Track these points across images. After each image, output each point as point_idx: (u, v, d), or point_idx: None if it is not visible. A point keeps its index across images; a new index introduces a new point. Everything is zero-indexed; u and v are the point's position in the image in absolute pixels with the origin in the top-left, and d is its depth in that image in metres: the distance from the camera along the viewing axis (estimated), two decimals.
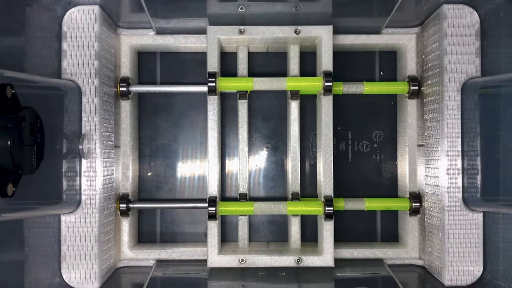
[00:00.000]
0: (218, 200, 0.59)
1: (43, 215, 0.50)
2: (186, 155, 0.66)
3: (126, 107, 0.62)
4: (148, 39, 0.62)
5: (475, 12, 0.54)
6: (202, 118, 0.66)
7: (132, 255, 0.62)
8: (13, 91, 0.38)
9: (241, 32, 0.60)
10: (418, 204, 0.61)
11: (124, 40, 0.62)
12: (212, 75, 0.58)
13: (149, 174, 0.66)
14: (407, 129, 0.62)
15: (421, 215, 0.62)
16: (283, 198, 0.65)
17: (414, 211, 0.61)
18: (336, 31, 0.60)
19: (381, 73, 0.66)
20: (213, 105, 0.59)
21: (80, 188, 0.53)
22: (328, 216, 0.58)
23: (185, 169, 0.66)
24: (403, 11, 0.58)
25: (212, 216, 0.58)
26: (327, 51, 0.59)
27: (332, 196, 0.59)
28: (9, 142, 0.37)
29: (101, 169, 0.54)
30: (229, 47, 0.63)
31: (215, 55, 0.59)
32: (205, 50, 0.60)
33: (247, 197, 0.63)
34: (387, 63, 0.66)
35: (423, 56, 0.61)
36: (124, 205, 0.60)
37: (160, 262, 0.62)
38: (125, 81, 0.61)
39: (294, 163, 0.62)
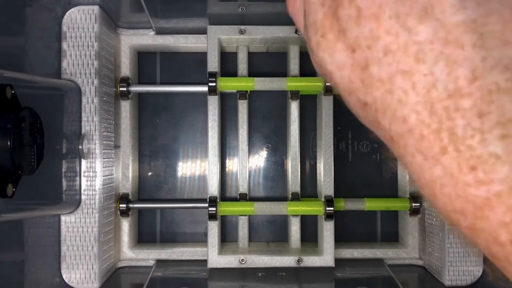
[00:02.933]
0: (218, 200, 0.59)
1: (43, 216, 0.50)
2: (186, 155, 0.66)
3: (126, 107, 0.62)
4: (148, 39, 0.62)
5: None
6: (202, 118, 0.66)
7: (132, 255, 0.62)
8: (13, 92, 0.38)
9: (242, 32, 0.60)
10: (418, 204, 0.61)
11: (124, 40, 0.62)
12: (213, 75, 0.58)
13: (149, 174, 0.66)
14: None
15: (421, 215, 0.61)
16: (283, 198, 0.65)
17: (414, 211, 0.61)
18: None
19: None
20: (213, 105, 0.59)
21: (80, 188, 0.53)
22: (328, 216, 0.58)
23: (185, 169, 0.66)
24: None
25: (212, 216, 0.58)
26: None
27: (333, 196, 0.59)
28: (9, 143, 0.37)
29: (101, 169, 0.54)
30: (229, 47, 0.63)
31: (215, 55, 0.59)
32: (205, 50, 0.60)
33: (247, 197, 0.62)
34: None
35: None
36: (124, 205, 0.60)
37: (160, 262, 0.62)
38: (125, 81, 0.61)
39: (294, 163, 0.62)
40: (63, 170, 0.50)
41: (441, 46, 0.15)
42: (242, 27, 0.60)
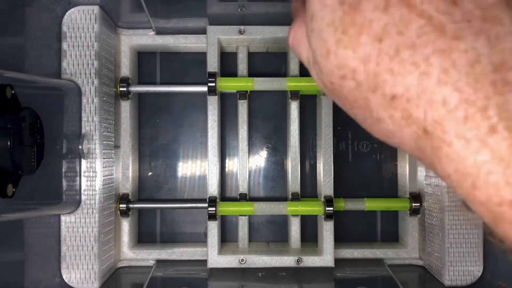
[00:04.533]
0: (218, 200, 0.59)
1: (43, 216, 0.50)
2: (186, 155, 0.66)
3: (126, 107, 0.62)
4: (148, 39, 0.62)
5: None
6: (202, 118, 0.66)
7: (132, 255, 0.62)
8: (13, 92, 0.38)
9: (241, 32, 0.60)
10: (418, 204, 0.61)
11: (124, 40, 0.62)
12: (212, 75, 0.58)
13: (149, 174, 0.66)
14: None
15: (421, 215, 0.62)
16: (283, 198, 0.65)
17: (414, 211, 0.61)
18: None
19: None
20: (213, 105, 0.59)
21: (80, 189, 0.53)
22: (328, 216, 0.58)
23: (185, 169, 0.66)
24: None
25: (212, 216, 0.58)
26: None
27: (332, 196, 0.59)
28: (9, 143, 0.37)
29: (101, 169, 0.54)
30: (229, 47, 0.63)
31: (215, 55, 0.59)
32: (205, 50, 0.60)
33: (247, 197, 0.63)
34: None
35: None
36: (124, 205, 0.60)
37: (160, 262, 0.62)
38: (125, 81, 0.61)
39: (294, 163, 0.62)
40: (63, 170, 0.50)
41: (479, 23, 0.15)
42: (242, 27, 0.60)
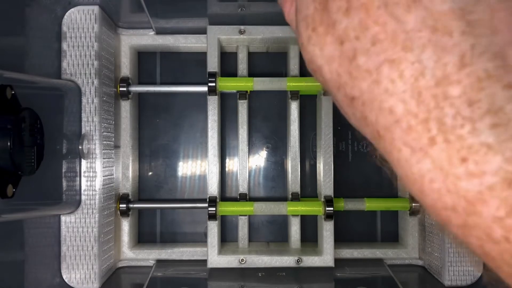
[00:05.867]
0: (218, 200, 0.59)
1: (43, 216, 0.50)
2: (186, 155, 0.66)
3: (126, 107, 0.62)
4: (148, 39, 0.62)
5: None
6: (202, 118, 0.66)
7: (132, 255, 0.62)
8: (13, 92, 0.38)
9: (241, 32, 0.60)
10: (418, 204, 0.61)
11: (124, 40, 0.62)
12: (212, 75, 0.58)
13: (150, 174, 0.66)
14: None
15: (421, 215, 0.62)
16: (283, 198, 0.65)
17: (414, 211, 0.61)
18: None
19: None
20: (213, 105, 0.59)
21: (80, 189, 0.53)
22: (328, 216, 0.58)
23: (185, 169, 0.66)
24: None
25: (212, 216, 0.58)
26: None
27: (332, 196, 0.59)
28: (9, 144, 0.37)
29: (101, 169, 0.54)
30: (229, 47, 0.63)
31: (215, 55, 0.59)
32: (205, 50, 0.60)
33: (247, 197, 0.62)
34: None
35: None
36: (124, 205, 0.60)
37: (160, 262, 0.62)
38: (125, 81, 0.61)
39: (294, 163, 0.62)
40: (63, 170, 0.50)
41: (429, 34, 0.15)
42: (242, 27, 0.60)
